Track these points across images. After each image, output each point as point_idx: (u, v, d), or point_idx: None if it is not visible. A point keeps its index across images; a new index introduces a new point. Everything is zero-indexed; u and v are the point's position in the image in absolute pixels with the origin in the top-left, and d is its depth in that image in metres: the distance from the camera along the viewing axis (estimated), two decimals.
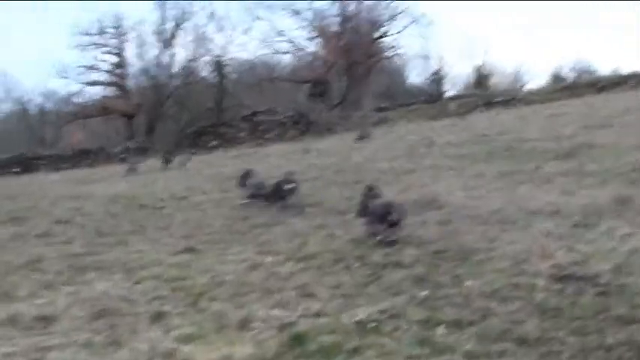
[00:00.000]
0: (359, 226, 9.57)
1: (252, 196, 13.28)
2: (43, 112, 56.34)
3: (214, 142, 40.22)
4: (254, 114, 41.33)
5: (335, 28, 49.04)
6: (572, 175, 13.05)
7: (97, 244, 10.64)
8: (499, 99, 41.57)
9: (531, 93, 45.27)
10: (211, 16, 49.26)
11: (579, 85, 43.86)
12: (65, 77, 47.35)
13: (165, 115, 49.64)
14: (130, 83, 48.86)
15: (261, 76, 50.65)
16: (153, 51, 48.54)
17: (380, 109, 45.85)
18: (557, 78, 59.52)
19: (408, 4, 49.24)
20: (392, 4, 48.48)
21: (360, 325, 5.79)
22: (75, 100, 47.93)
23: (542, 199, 10.79)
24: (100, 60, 47.25)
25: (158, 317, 6.52)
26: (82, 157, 40.51)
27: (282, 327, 5.87)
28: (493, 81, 58.34)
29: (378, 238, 8.92)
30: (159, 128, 48.66)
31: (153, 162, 33.88)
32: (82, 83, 47.17)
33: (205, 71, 51.54)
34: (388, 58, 52.06)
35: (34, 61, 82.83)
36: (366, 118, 39.94)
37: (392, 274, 7.40)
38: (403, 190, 12.53)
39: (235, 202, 13.79)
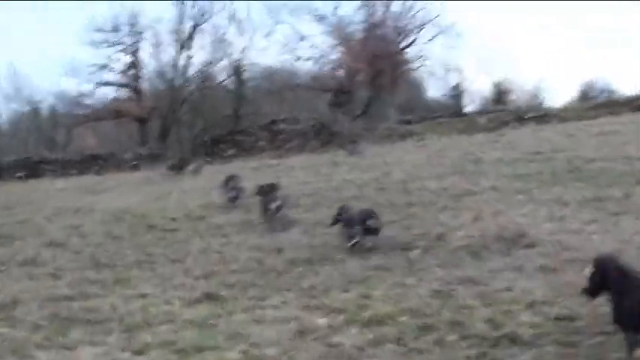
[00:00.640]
0: (437, 274, 7.16)
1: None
2: (54, 113, 54.20)
3: (231, 151, 37.95)
4: (273, 122, 38.93)
5: (360, 35, 46.52)
6: None
7: (91, 282, 8.30)
8: (531, 115, 39.18)
9: (565, 109, 42.94)
10: (232, 17, 46.76)
11: (615, 103, 41.58)
12: (76, 76, 45.00)
13: (180, 120, 47.30)
14: (144, 85, 46.51)
15: (281, 83, 48.13)
16: (169, 52, 46.31)
17: (404, 122, 43.58)
18: (584, 95, 57.22)
19: (437, 11, 46.34)
20: (419, 14, 45.95)
21: None
22: (86, 101, 45.49)
23: None
24: (113, 59, 44.85)
25: None
26: (90, 162, 38.21)
27: None
28: (512, 97, 55.92)
29: (354, 241, 8.90)
30: (173, 134, 46.42)
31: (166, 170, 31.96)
32: (94, 83, 44.78)
33: (223, 76, 49.06)
34: (414, 69, 49.47)
35: (45, 59, 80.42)
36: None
37: None
38: (474, 218, 10.07)
39: (263, 226, 11.39)
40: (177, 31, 45.54)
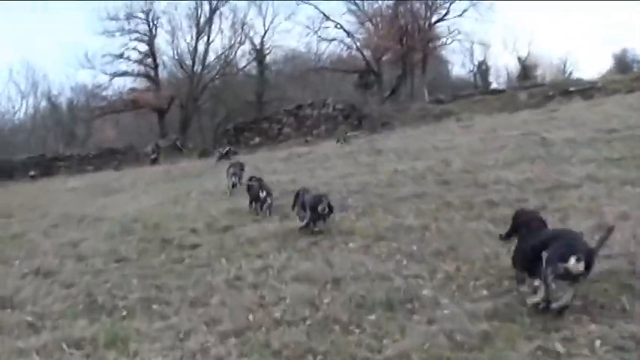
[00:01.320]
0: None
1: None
2: (72, 106, 52.11)
3: (256, 139, 35.59)
4: (299, 107, 36.39)
5: (388, 11, 43.54)
6: None
7: (75, 342, 5.79)
8: (575, 88, 36.18)
9: (610, 82, 39.85)
10: None
11: None
12: (90, 67, 42.60)
13: (201, 109, 44.87)
14: (162, 74, 44.09)
15: (305, 66, 45.43)
16: (186, 38, 43.76)
17: (437, 101, 40.89)
18: (620, 65, 54.14)
19: None
20: None
21: None
22: (102, 93, 43.16)
23: None
24: (129, 48, 42.41)
25: None
26: (108, 157, 36.10)
27: None
28: (538, 72, 54.44)
29: (304, 222, 9.41)
30: (194, 124, 44.03)
31: (186, 162, 29.63)
32: (109, 74, 42.32)
33: (244, 61, 46.50)
34: (446, 44, 46.36)
35: (60, 51, 78.16)
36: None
37: None
38: (597, 225, 7.32)
39: (308, 240, 8.85)
40: (194, 16, 43.06)
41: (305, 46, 46.07)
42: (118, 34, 41.77)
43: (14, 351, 5.74)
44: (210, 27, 43.05)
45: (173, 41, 43.97)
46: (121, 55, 41.93)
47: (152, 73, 43.00)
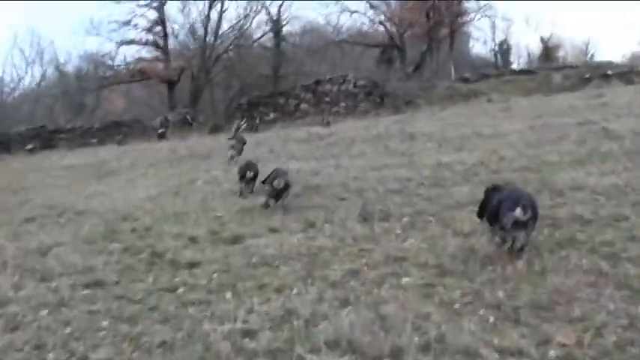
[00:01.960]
0: None
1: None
2: (80, 76, 49.65)
3: (272, 115, 33.36)
4: (318, 83, 34.08)
5: None
6: None
7: None
8: (614, 71, 33.66)
9: None
10: None
11: None
12: (97, 34, 40.09)
13: (213, 82, 42.36)
14: (172, 44, 41.47)
15: (324, 39, 42.89)
16: (199, 5, 41.14)
17: (463, 80, 38.44)
18: None
19: None
20: None
21: None
22: (108, 62, 40.68)
23: None
24: (137, 15, 39.67)
25: None
26: (113, 130, 33.88)
27: None
28: (560, 53, 52.31)
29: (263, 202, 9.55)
30: (205, 97, 41.60)
31: (195, 138, 27.44)
32: (116, 42, 39.80)
33: (260, 32, 43.81)
34: (474, 20, 43.56)
35: (67, 17, 75.09)
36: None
37: None
38: None
39: (343, 266, 6.60)
40: None
41: (325, 18, 43.37)
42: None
43: None
44: None
45: (184, 9, 41.28)
46: (128, 22, 39.30)
47: (161, 42, 40.34)
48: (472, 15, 42.60)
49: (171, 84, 39.54)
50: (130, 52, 42.20)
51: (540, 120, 17.07)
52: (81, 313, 5.90)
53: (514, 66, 49.64)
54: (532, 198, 6.62)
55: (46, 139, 32.15)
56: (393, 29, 41.34)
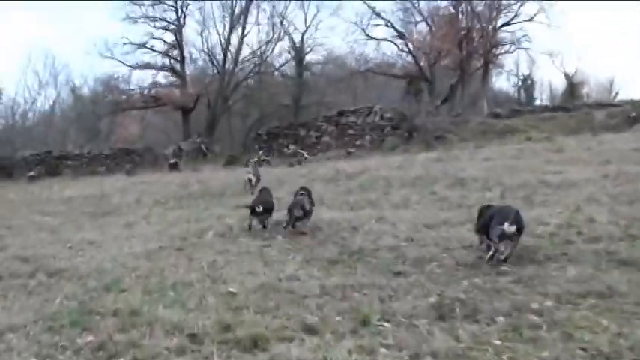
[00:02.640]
0: None
1: None
2: (95, 100, 47.71)
3: (291, 148, 31.15)
4: (341, 114, 31.94)
5: (448, 10, 38.69)
6: None
7: None
8: None
9: None
10: None
11: None
12: (110, 57, 38.19)
13: (231, 110, 40.27)
14: (188, 69, 39.54)
15: (349, 68, 40.77)
16: (218, 29, 39.11)
17: (494, 115, 36.16)
18: None
19: None
20: None
21: None
22: (120, 86, 38.76)
23: None
24: (153, 37, 37.88)
25: None
26: (123, 158, 31.82)
27: None
28: (585, 89, 51.04)
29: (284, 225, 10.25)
30: (222, 126, 39.48)
31: (210, 170, 25.26)
32: (130, 66, 37.92)
33: (282, 59, 41.79)
34: (509, 52, 41.19)
35: (81, 39, 73.62)
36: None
37: None
38: None
39: None
40: (228, 5, 38.42)
41: (350, 46, 41.25)
42: (141, 20, 37.38)
43: None
44: (245, 18, 38.46)
45: (203, 32, 39.48)
46: (143, 45, 37.44)
47: (178, 66, 38.47)
48: (507, 47, 40.19)
49: (186, 111, 37.58)
50: (144, 77, 40.08)
51: (611, 166, 14.57)
52: None
53: (537, 102, 48.65)
54: (519, 214, 7.51)
55: (51, 165, 30.17)
56: (422, 59, 39.12)
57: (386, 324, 5.56)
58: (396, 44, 40.18)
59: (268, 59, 41.14)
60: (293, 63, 41.44)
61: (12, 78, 64.23)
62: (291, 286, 6.89)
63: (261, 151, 23.87)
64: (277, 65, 41.69)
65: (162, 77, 39.61)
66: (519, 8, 37.35)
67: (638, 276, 6.48)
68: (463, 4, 37.49)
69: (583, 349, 4.83)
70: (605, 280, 6.34)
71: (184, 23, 38.40)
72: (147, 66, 38.22)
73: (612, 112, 32.36)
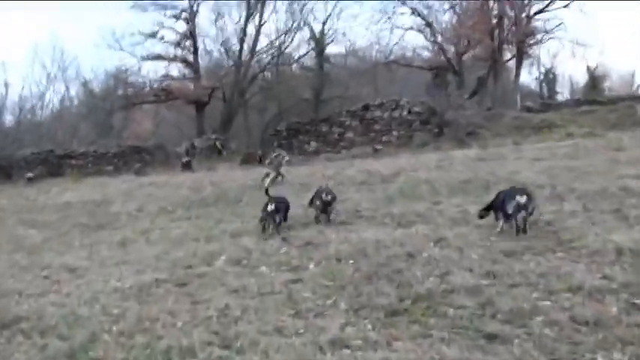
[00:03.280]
0: None
1: None
2: (106, 94, 45.56)
3: (313, 145, 29.05)
4: (366, 108, 29.84)
5: None
6: None
7: None
8: None
9: None
10: None
11: None
12: (119, 49, 35.99)
13: (248, 104, 38.03)
14: (202, 60, 37.31)
15: (373, 60, 38.42)
16: (234, 18, 36.82)
17: (527, 109, 33.78)
18: None
19: None
20: None
21: None
22: (128, 79, 36.56)
23: None
24: (164, 27, 35.59)
25: None
26: (132, 156, 29.68)
27: None
28: (607, 83, 48.34)
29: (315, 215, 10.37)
30: (238, 122, 37.22)
31: (225, 169, 23.14)
32: (139, 57, 35.77)
33: (301, 50, 39.44)
34: (542, 42, 38.34)
35: (93, 30, 71.10)
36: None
37: None
38: None
39: None
40: None
41: (375, 35, 38.74)
42: (151, 8, 34.99)
43: None
44: (263, 6, 35.89)
45: (217, 21, 37.07)
46: (153, 35, 35.05)
47: (191, 57, 36.14)
48: (540, 36, 37.42)
49: (200, 105, 35.32)
50: (156, 70, 37.89)
51: None
52: None
53: (559, 97, 46.61)
54: (528, 189, 9.10)
55: (53, 165, 28.02)
56: (450, 50, 36.65)
57: None
58: (423, 33, 37.60)
59: (287, 50, 38.75)
60: (313, 54, 39.01)
61: (19, 72, 61.89)
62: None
63: (280, 151, 21.67)
64: (296, 57, 39.27)
65: (175, 70, 37.36)
66: None
67: None
68: None
69: None
70: None
71: (197, 11, 36.09)
72: (158, 57, 35.89)
73: None
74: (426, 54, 39.61)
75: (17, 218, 14.44)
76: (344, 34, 39.53)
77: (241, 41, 35.95)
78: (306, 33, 38.67)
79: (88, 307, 6.46)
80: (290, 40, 37.90)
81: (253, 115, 39.63)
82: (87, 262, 8.74)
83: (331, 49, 39.91)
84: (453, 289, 6.12)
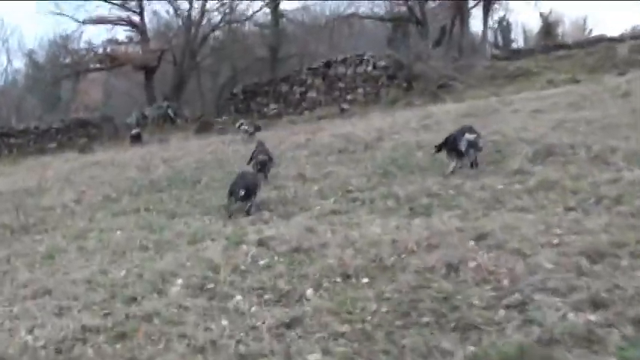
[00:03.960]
0: None
1: None
2: (51, 65, 42.53)
3: (273, 107, 27.04)
4: (328, 65, 28.15)
5: None
6: None
7: None
8: None
9: None
10: None
11: None
12: (59, 14, 33.23)
13: (200, 67, 35.92)
14: (149, 22, 35.00)
15: (331, 14, 36.42)
16: None
17: (496, 58, 32.44)
18: None
19: None
20: None
21: None
22: (72, 46, 33.81)
23: None
24: None
25: None
26: (77, 131, 27.27)
27: None
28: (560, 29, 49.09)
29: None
30: (191, 87, 34.82)
31: (179, 140, 21.03)
32: (80, 22, 33.06)
33: (255, 6, 37.07)
34: None
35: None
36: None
37: None
38: None
39: None
40: None
41: None
42: None
43: None
44: None
45: None
46: None
47: (137, 19, 33.57)
48: None
49: (149, 71, 33.08)
50: (100, 35, 35.18)
51: None
52: None
53: (514, 45, 46.76)
54: (474, 129, 9.64)
55: None
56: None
57: None
58: None
59: (239, 7, 36.38)
60: (267, 10, 36.67)
61: None
62: None
63: (241, 121, 19.75)
64: (250, 13, 36.91)
65: (121, 34, 34.86)
66: None
67: None
68: None
69: None
70: None
71: None
72: (100, 20, 33.03)
73: (635, 45, 28.40)
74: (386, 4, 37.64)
75: None
76: None
77: (190, 1, 33.47)
78: None
79: None
80: None
81: (206, 78, 37.70)
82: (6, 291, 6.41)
83: (286, 5, 37.75)
84: (496, 306, 3.98)
